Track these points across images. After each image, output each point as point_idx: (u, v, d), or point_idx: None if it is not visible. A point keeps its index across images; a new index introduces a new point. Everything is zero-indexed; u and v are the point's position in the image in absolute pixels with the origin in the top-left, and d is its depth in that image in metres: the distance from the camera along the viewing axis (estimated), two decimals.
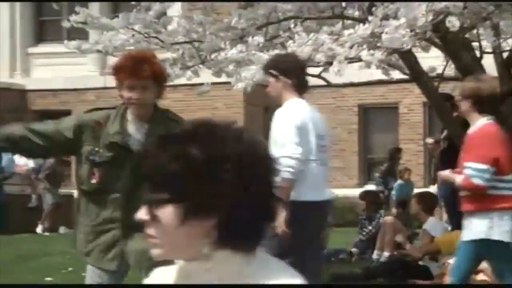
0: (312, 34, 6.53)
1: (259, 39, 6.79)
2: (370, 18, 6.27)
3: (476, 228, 4.73)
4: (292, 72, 4.78)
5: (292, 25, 6.94)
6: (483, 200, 4.71)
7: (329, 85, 8.44)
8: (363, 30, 6.12)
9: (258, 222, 1.52)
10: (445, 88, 8.85)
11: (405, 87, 14.38)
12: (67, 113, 12.69)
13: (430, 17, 6.01)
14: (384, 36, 5.95)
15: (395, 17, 6.14)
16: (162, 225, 1.50)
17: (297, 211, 4.49)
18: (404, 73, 7.99)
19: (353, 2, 7.15)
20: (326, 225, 5.29)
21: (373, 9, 6.48)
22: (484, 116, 4.80)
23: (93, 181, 3.77)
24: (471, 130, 4.85)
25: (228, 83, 7.34)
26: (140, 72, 3.72)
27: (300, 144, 4.59)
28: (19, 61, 19.35)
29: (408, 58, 7.43)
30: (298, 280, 1.52)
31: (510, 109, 7.01)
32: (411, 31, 6.00)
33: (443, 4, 6.07)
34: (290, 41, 6.59)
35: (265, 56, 6.30)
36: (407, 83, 9.50)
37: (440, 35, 6.85)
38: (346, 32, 6.34)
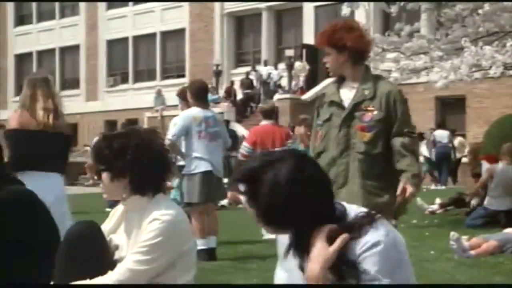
0: None
1: None
2: None
3: None
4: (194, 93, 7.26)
5: None
6: None
7: None
8: None
9: (154, 180, 2.86)
10: None
11: None
12: None
13: None
14: None
15: None
16: (103, 182, 2.89)
17: None
18: None
19: None
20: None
21: None
22: None
23: (317, 142, 4.25)
24: None
25: None
26: (329, 39, 4.13)
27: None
28: None
29: None
30: (171, 211, 2.80)
31: None
32: None
33: None
34: None
35: None
36: None
37: None
38: None
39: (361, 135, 4.11)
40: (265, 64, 27.71)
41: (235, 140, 21.63)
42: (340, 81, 4.27)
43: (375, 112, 4.10)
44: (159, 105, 27.23)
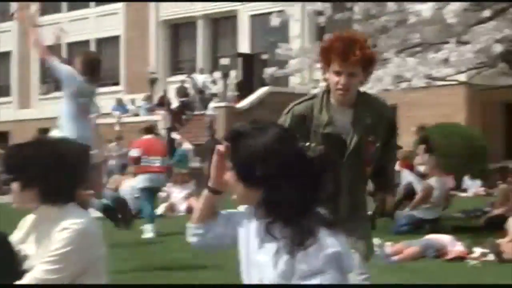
0: None
1: None
2: None
3: None
4: None
5: None
6: None
7: None
8: None
9: (65, 190, 2.84)
10: None
11: None
12: None
13: None
14: None
15: None
16: (13, 192, 2.86)
17: None
18: None
19: None
20: None
21: None
22: None
23: None
24: None
25: None
26: (350, 56, 3.41)
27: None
28: None
29: None
30: (81, 219, 2.79)
31: None
32: None
33: None
34: None
35: None
36: None
37: None
38: None
39: (366, 170, 3.66)
40: (201, 72, 27.72)
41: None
42: (322, 98, 3.58)
43: (378, 144, 3.62)
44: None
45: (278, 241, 2.22)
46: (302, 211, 2.21)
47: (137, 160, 11.26)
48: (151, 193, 11.39)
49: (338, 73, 3.43)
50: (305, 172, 2.23)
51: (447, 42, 8.40)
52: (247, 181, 2.25)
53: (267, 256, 2.27)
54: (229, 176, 2.31)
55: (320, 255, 2.16)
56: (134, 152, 11.37)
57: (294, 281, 2.19)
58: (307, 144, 3.40)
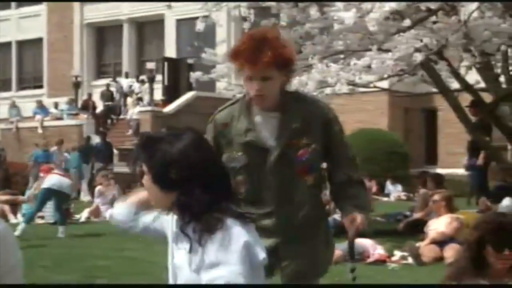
0: None
1: None
2: None
3: None
4: None
5: None
6: None
7: None
8: None
9: None
10: None
11: None
12: None
13: None
14: None
15: None
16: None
17: None
18: None
19: None
20: None
21: None
22: None
23: (242, 189, 3.18)
24: None
25: None
26: (259, 59, 2.98)
27: None
28: None
29: None
30: None
31: None
32: None
33: None
34: None
35: None
36: None
37: None
38: None
39: (303, 180, 3.19)
40: (126, 76, 27.43)
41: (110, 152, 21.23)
42: (241, 104, 3.22)
43: (313, 146, 3.17)
44: (14, 117, 26.28)
45: (191, 240, 2.30)
46: (213, 207, 2.30)
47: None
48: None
49: (250, 78, 3.07)
50: (216, 176, 2.35)
51: (369, 50, 8.59)
52: (162, 184, 2.34)
53: (184, 257, 2.32)
54: (145, 180, 2.39)
55: (227, 244, 2.22)
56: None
57: (202, 273, 2.24)
58: (229, 153, 3.17)
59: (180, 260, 2.35)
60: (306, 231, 3.22)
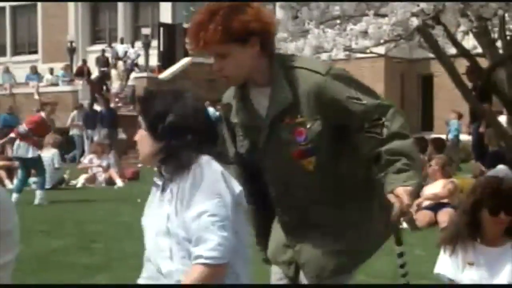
0: None
1: None
2: None
3: None
4: None
5: None
6: None
7: None
8: None
9: None
10: None
11: None
12: None
13: None
14: None
15: None
16: None
17: None
18: None
19: None
20: None
21: None
22: None
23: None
24: None
25: None
26: (201, 36, 2.57)
27: None
28: None
29: None
30: None
31: None
32: None
33: None
34: None
35: None
36: None
37: None
38: None
39: (302, 164, 2.74)
40: (122, 42, 27.27)
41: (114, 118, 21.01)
42: (242, 86, 2.79)
43: (309, 124, 2.69)
44: (7, 82, 26.19)
45: (164, 178, 2.49)
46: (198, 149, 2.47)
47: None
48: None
49: (213, 57, 2.68)
50: (206, 126, 2.52)
51: (366, 15, 8.53)
52: (155, 132, 2.48)
53: (168, 206, 2.47)
54: (140, 133, 2.53)
55: (202, 178, 2.38)
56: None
57: (184, 211, 2.40)
58: (238, 137, 2.84)
59: (166, 209, 2.47)
60: (315, 218, 2.82)
